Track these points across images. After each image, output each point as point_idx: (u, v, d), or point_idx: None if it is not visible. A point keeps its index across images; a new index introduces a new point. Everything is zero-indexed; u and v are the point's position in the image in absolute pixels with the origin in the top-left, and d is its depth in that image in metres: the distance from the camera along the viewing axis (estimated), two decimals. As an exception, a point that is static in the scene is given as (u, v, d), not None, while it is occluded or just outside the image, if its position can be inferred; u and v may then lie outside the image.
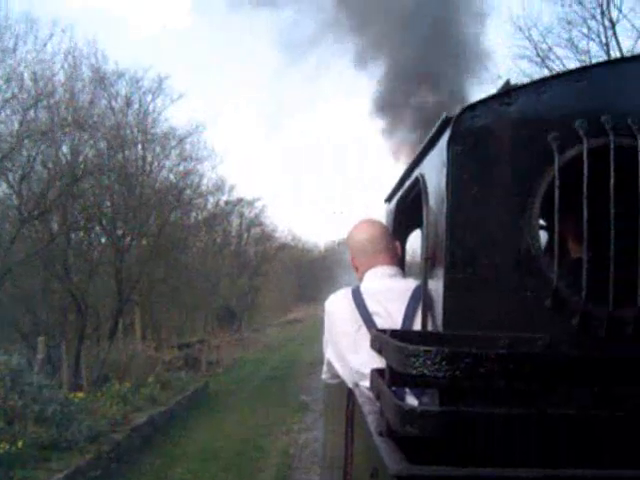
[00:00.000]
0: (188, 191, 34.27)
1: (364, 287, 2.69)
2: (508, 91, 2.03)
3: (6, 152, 14.29)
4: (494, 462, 1.49)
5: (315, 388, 18.26)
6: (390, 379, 1.75)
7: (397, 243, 2.89)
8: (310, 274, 66.75)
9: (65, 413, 9.75)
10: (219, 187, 50.32)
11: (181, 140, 31.19)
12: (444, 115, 2.06)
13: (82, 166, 17.20)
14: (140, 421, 12.05)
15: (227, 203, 51.99)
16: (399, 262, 2.89)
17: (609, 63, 2.60)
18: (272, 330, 40.28)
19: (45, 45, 19.44)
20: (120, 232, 20.87)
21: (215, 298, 42.05)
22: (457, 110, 2.01)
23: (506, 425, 1.56)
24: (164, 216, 24.16)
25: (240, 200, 52.38)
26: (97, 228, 20.19)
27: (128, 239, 21.64)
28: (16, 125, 15.58)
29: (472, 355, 1.47)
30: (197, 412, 14.73)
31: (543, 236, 2.32)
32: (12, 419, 9.57)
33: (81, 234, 20.05)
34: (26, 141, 15.03)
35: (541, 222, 2.34)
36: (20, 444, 8.47)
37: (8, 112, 15.69)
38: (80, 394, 12.34)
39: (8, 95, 15.29)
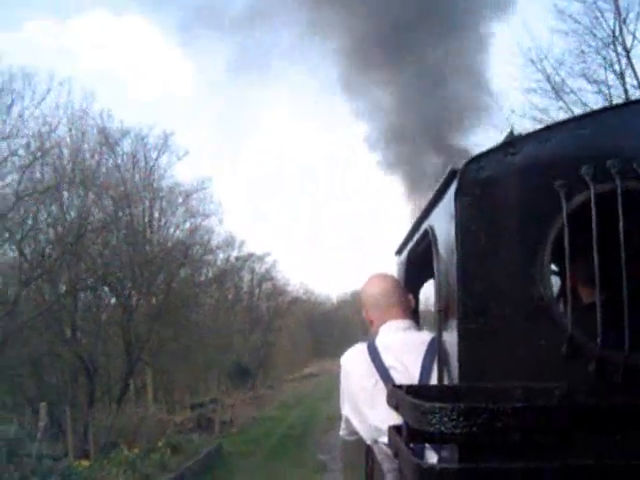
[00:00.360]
0: (197, 248, 33.89)
1: (379, 341, 2.66)
2: (512, 141, 2.03)
3: (4, 211, 13.86)
4: None
5: (333, 445, 17.40)
6: (408, 436, 1.71)
7: (410, 296, 2.86)
8: (324, 327, 65.78)
9: (66, 486, 9.06)
10: (229, 243, 49.94)
11: (187, 196, 30.88)
12: (450, 167, 2.04)
13: (88, 224, 16.76)
14: (147, 491, 11.32)
15: (237, 259, 51.57)
16: (413, 315, 2.86)
17: (612, 108, 2.61)
18: (287, 386, 39.26)
19: (43, 99, 18.99)
20: (127, 291, 20.28)
21: (228, 356, 41.22)
22: (462, 163, 2.00)
23: (525, 479, 1.55)
24: (172, 273, 23.57)
25: (250, 255, 51.89)
26: (105, 288, 19.63)
27: (135, 298, 21.02)
28: (15, 185, 15.18)
29: (488, 410, 1.46)
30: (210, 477, 13.90)
31: (555, 282, 2.36)
32: (9, 494, 8.90)
33: (88, 295, 19.50)
34: (27, 199, 14.63)
35: (552, 267, 2.35)
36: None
37: (8, 168, 15.31)
38: (85, 462, 11.61)
39: (6, 153, 14.91)
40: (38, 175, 17.08)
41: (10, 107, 16.81)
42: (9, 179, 15.58)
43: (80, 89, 36.06)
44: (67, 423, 13.30)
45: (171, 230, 29.23)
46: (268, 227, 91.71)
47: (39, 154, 15.68)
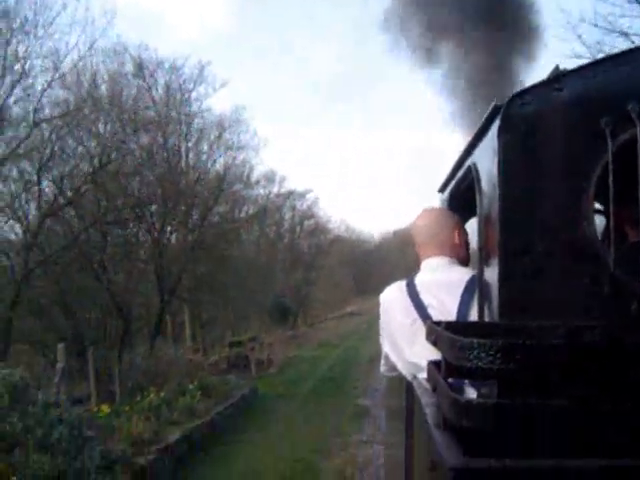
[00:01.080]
0: (236, 182, 32.75)
1: (418, 279, 2.63)
2: (558, 76, 1.92)
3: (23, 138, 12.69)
4: (552, 454, 1.42)
5: (375, 389, 16.34)
6: (446, 371, 1.67)
7: (456, 232, 2.68)
8: (366, 266, 64.75)
9: (75, 436, 7.99)
10: (269, 178, 48.87)
11: (223, 127, 29.41)
12: (493, 103, 1.95)
13: (113, 153, 15.55)
14: (172, 438, 10.25)
15: (278, 195, 50.49)
16: (460, 252, 2.69)
17: None
18: (328, 325, 38.34)
19: (58, 15, 17.28)
20: (159, 225, 19.16)
21: (268, 294, 40.44)
22: (506, 98, 1.91)
23: (564, 417, 1.47)
24: (207, 207, 22.37)
25: (291, 192, 50.71)
26: (135, 223, 18.54)
27: (168, 232, 19.90)
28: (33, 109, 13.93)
29: (526, 347, 1.44)
30: (242, 423, 12.85)
31: (599, 221, 2.23)
32: (13, 446, 7.90)
33: (119, 230, 18.46)
34: (46, 126, 13.41)
35: (597, 206, 2.30)
36: (13, 481, 6.74)
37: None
38: (106, 408, 10.63)
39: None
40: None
41: (24, 25, 15.40)
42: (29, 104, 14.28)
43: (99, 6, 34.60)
44: (90, 365, 12.35)
45: (208, 165, 27.84)
46: (309, 164, 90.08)
47: (57, 75, 14.40)
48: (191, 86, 28.33)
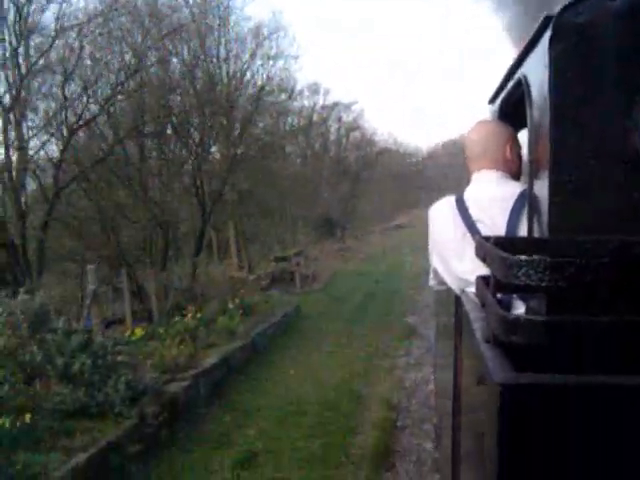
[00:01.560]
0: (278, 92, 31.41)
1: (468, 193, 2.58)
2: None
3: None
4: (601, 370, 1.44)
5: (423, 306, 15.52)
6: (495, 287, 1.68)
7: (508, 146, 2.59)
8: (413, 179, 63.24)
9: (98, 366, 7.36)
10: (314, 90, 47.33)
11: (264, 37, 27.86)
12: (545, 13, 1.85)
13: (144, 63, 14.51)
14: (209, 362, 9.64)
15: (323, 107, 48.97)
16: (512, 166, 2.60)
17: None
18: (374, 238, 37.48)
19: None
20: (197, 139, 18.17)
21: (315, 207, 39.65)
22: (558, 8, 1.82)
23: (613, 333, 1.47)
24: (246, 119, 21.29)
25: (337, 104, 49.10)
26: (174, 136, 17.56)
27: (208, 144, 18.89)
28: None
29: (575, 264, 1.42)
30: (283, 344, 12.21)
31: None
32: (32, 377, 7.34)
33: (154, 143, 17.58)
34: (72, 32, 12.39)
35: None
36: (27, 417, 6.14)
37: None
38: (139, 331, 10.04)
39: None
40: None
41: None
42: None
43: None
44: (124, 285, 11.75)
45: (247, 75, 26.52)
46: (354, 75, 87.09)
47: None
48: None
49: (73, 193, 15.73)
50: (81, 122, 13.35)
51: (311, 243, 33.78)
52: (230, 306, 13.12)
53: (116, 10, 14.57)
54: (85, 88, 13.16)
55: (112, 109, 14.01)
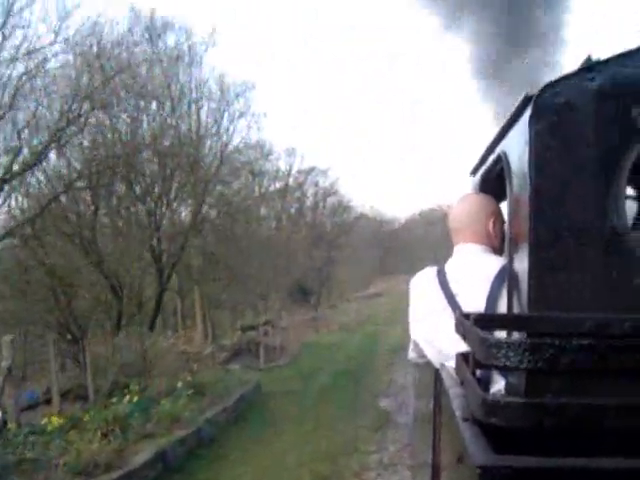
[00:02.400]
0: (252, 153, 30.36)
1: (449, 265, 2.56)
2: (590, 65, 1.87)
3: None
4: (581, 453, 1.40)
5: (399, 387, 13.85)
6: (474, 365, 1.65)
7: (492, 220, 2.55)
8: (390, 246, 62.18)
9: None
10: (290, 154, 46.49)
11: (238, 95, 26.79)
12: (525, 92, 1.90)
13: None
14: (139, 460, 7.83)
15: (300, 172, 48.10)
16: (494, 241, 2.56)
17: None
18: (349, 306, 35.80)
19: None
20: (155, 197, 16.60)
21: (289, 274, 38.09)
22: (538, 87, 1.86)
23: (593, 414, 1.44)
24: (213, 173, 19.90)
25: (313, 169, 48.25)
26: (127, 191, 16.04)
27: (166, 203, 17.35)
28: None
29: (554, 346, 1.41)
30: (236, 434, 10.39)
31: (631, 209, 2.25)
32: None
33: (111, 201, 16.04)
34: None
35: (629, 191, 2.34)
36: None
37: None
38: (55, 419, 8.26)
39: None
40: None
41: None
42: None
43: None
44: (51, 356, 9.94)
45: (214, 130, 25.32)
46: (329, 142, 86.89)
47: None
48: (203, 49, 25.86)
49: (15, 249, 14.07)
50: (8, 175, 11.76)
51: (283, 311, 32.09)
52: (179, 384, 11.38)
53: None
54: (18, 134, 11.70)
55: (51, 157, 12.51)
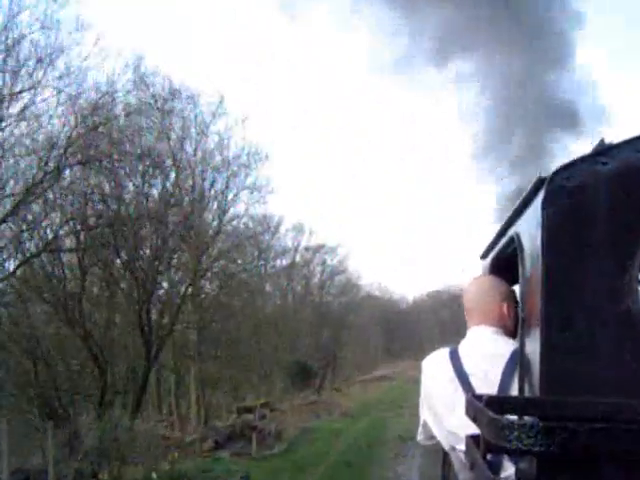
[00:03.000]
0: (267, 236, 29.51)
1: (462, 347, 2.52)
2: (603, 150, 1.87)
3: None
4: None
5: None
6: (485, 448, 1.62)
7: (506, 304, 2.53)
8: (398, 327, 60.55)
9: None
10: (299, 230, 45.70)
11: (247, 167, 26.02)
12: (538, 176, 1.94)
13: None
14: None
15: (307, 249, 47.14)
16: (508, 323, 2.52)
17: None
18: (355, 390, 33.99)
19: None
20: (144, 270, 15.34)
21: (292, 353, 36.48)
22: (551, 171, 1.88)
23: None
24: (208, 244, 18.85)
25: (321, 246, 47.28)
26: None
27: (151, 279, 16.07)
28: None
29: (568, 429, 1.42)
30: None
31: None
32: None
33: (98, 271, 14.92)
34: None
35: None
36: None
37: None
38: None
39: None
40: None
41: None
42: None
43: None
44: (3, 441, 8.52)
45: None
46: (339, 219, 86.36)
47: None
48: (209, 119, 25.32)
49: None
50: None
51: (284, 392, 30.41)
52: (154, 476, 9.91)
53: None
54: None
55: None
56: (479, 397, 1.77)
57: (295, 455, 15.25)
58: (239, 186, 25.35)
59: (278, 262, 45.10)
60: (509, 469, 2.05)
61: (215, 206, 24.38)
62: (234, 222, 24.62)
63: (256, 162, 26.06)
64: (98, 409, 12.85)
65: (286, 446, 16.62)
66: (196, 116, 24.45)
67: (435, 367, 2.54)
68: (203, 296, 24.79)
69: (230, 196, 25.21)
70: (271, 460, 14.49)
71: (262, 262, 41.34)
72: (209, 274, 25.56)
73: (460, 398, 2.21)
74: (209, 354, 25.75)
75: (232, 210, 26.40)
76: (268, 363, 33.74)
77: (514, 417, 1.71)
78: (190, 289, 23.70)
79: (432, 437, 2.57)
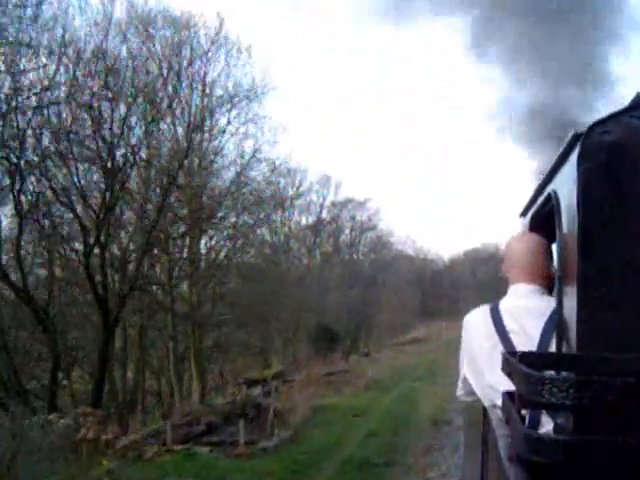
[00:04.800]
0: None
1: (503, 304, 2.53)
2: (639, 103, 1.84)
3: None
4: None
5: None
6: (519, 403, 1.63)
7: (547, 261, 2.53)
8: (434, 288, 56.62)
9: None
10: (324, 184, 41.80)
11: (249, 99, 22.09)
12: (573, 131, 1.89)
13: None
14: None
15: (334, 204, 43.28)
16: (551, 283, 2.51)
17: None
18: (385, 355, 30.20)
19: None
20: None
21: (319, 315, 32.93)
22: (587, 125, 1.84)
23: (637, 453, 1.41)
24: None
25: (350, 201, 43.36)
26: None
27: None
28: None
29: (599, 383, 1.41)
30: None
31: None
32: None
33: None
34: None
35: None
36: None
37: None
38: None
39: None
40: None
41: None
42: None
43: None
44: None
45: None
46: (370, 171, 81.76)
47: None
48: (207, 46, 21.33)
49: None
50: None
51: (308, 359, 26.90)
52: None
53: None
54: None
55: None
56: (514, 353, 1.74)
57: (297, 449, 11.52)
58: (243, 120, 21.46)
59: (303, 219, 41.52)
60: (547, 425, 2.02)
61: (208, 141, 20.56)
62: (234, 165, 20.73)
63: (263, 93, 22.12)
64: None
65: (290, 434, 12.94)
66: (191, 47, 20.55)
67: (476, 323, 2.53)
68: (204, 252, 21.30)
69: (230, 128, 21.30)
70: (262, 458, 10.79)
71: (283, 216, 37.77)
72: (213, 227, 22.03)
73: (499, 354, 2.08)
74: (216, 319, 22.31)
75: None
76: (291, 327, 30.29)
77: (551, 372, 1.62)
78: (187, 241, 20.22)
79: (472, 393, 2.55)
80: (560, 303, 2.05)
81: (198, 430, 14.09)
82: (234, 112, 21.64)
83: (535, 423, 2.04)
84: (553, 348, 2.16)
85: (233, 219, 23.82)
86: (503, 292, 2.58)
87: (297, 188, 40.59)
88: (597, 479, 1.43)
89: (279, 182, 36.42)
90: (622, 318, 1.75)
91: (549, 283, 2.52)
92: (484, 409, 2.61)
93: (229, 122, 21.52)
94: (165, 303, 19.19)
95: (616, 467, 1.41)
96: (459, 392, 2.69)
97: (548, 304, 2.34)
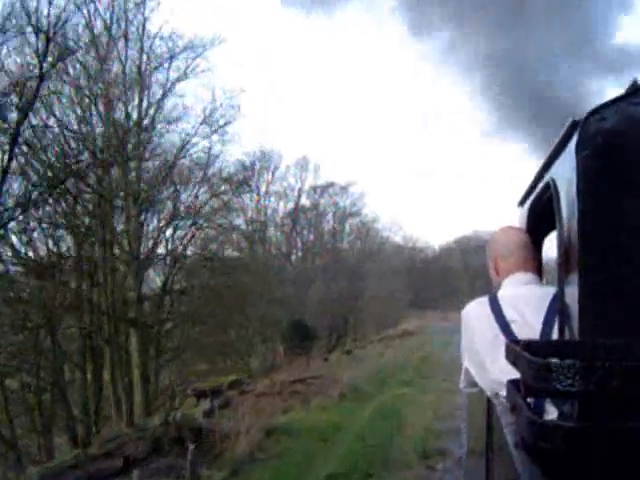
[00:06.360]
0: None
1: (502, 294, 2.52)
2: (636, 90, 1.79)
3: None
4: (632, 478, 1.44)
5: None
6: (525, 391, 1.58)
7: (538, 254, 2.68)
8: (424, 277, 53.11)
9: None
10: (303, 166, 38.09)
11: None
12: (571, 119, 1.85)
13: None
14: None
15: (314, 189, 39.55)
16: (539, 272, 2.62)
17: None
18: (371, 351, 26.45)
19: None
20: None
21: (289, 313, 29.16)
22: (584, 113, 1.81)
23: None
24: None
25: (331, 184, 39.62)
26: None
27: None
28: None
29: (605, 368, 1.35)
30: None
31: None
32: None
33: None
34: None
35: None
36: None
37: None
38: None
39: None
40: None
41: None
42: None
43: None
44: None
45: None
46: (349, 156, 77.75)
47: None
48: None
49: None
50: None
51: (279, 362, 23.19)
52: None
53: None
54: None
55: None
56: (517, 342, 1.73)
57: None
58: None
59: (281, 205, 37.88)
60: (552, 413, 2.01)
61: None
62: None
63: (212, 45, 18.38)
64: None
65: (226, 473, 9.16)
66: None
67: (475, 315, 2.51)
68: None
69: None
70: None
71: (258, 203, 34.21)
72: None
73: (501, 345, 2.06)
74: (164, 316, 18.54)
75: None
76: (262, 324, 26.55)
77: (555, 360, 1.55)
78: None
79: (474, 384, 2.56)
80: (562, 291, 2.02)
81: (113, 467, 10.48)
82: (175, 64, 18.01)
83: (540, 410, 1.97)
84: (555, 336, 2.14)
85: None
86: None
87: (272, 173, 36.93)
88: (603, 465, 1.42)
89: (254, 164, 32.77)
90: (624, 304, 1.71)
91: (540, 274, 2.57)
92: (487, 399, 2.64)
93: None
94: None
95: (621, 453, 1.39)
96: (462, 384, 2.68)
97: (547, 290, 2.33)
